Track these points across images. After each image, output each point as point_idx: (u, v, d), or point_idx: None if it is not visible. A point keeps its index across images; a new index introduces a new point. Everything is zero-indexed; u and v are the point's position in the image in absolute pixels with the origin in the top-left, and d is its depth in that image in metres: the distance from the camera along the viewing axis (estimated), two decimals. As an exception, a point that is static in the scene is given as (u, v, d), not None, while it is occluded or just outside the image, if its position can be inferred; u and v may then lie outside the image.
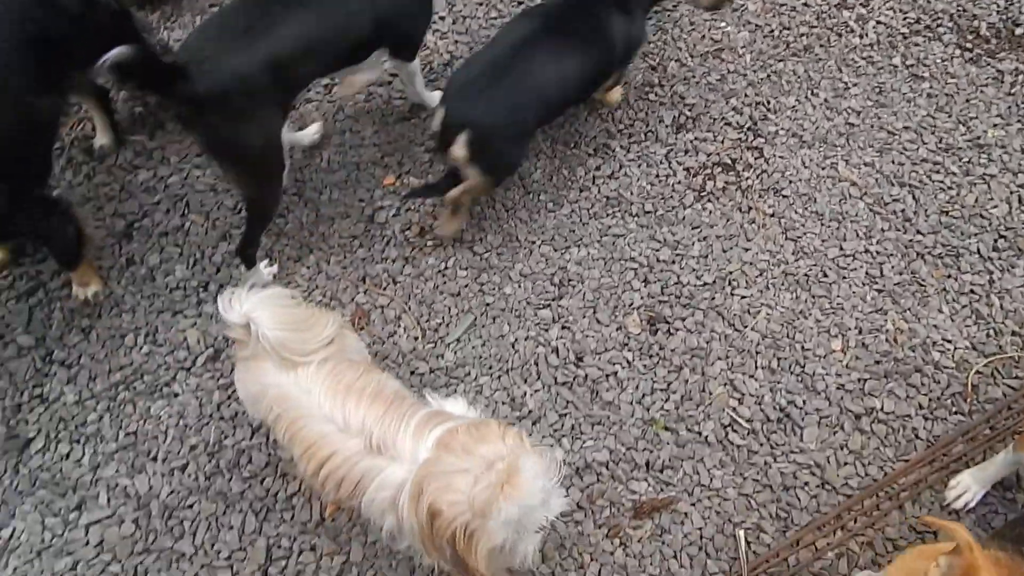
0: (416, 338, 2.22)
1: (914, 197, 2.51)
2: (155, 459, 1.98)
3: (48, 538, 1.86)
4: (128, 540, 1.87)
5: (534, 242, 2.41)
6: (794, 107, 2.71)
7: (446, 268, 2.35)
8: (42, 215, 1.97)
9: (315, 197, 2.45)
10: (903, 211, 2.48)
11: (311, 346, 1.63)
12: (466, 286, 2.32)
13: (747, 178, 2.59)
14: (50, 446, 1.98)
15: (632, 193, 2.52)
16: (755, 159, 2.64)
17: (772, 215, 2.51)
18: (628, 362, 2.19)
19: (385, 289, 2.30)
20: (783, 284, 2.35)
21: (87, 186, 2.39)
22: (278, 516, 1.92)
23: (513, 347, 2.21)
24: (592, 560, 1.88)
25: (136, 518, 1.89)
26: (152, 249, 2.30)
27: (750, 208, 2.52)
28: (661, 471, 2.01)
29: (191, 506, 1.92)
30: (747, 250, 2.42)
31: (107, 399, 2.06)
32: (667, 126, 2.68)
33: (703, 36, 2.92)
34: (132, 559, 1.85)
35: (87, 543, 1.86)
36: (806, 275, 2.36)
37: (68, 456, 1.97)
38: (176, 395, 2.08)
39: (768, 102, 2.75)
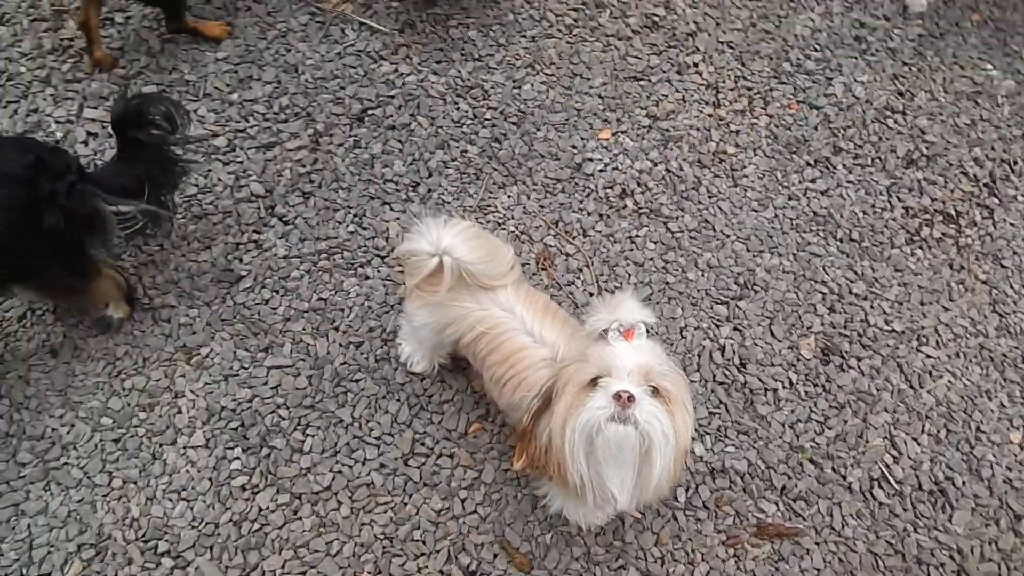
0: (591, 294, 2.16)
1: None
2: (337, 329, 2.06)
3: (236, 367, 1.99)
4: (299, 392, 1.96)
5: (729, 236, 2.27)
6: (1046, 177, 2.38)
7: (637, 236, 2.26)
8: None
9: (532, 131, 2.40)
10: None
11: (503, 270, 1.64)
12: (651, 259, 2.23)
13: (968, 236, 2.32)
14: (255, 288, 2.09)
15: (842, 216, 2.32)
16: (982, 218, 2.36)
17: (984, 282, 2.25)
18: (791, 383, 2.06)
19: (575, 238, 2.24)
20: (976, 357, 2.12)
21: (337, 64, 2.44)
22: (428, 416, 1.96)
23: (681, 333, 2.12)
24: (703, 560, 1.82)
25: (310, 376, 1.99)
26: (378, 139, 2.33)
27: (962, 268, 2.27)
28: (795, 500, 1.90)
29: (358, 381, 1.99)
30: (947, 310, 2.20)
31: (310, 262, 2.14)
32: (898, 158, 2.43)
33: (963, 74, 2.60)
34: (299, 410, 1.94)
35: (266, 383, 1.97)
36: (1004, 355, 2.12)
37: (267, 302, 2.07)
38: (367, 278, 2.14)
39: (1015, 162, 2.44)
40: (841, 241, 2.28)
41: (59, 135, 2.23)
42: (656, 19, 2.60)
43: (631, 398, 1.28)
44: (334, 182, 2.26)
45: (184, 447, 1.88)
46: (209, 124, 2.30)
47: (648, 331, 1.39)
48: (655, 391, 1.34)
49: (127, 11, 2.46)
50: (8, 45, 2.36)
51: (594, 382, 1.34)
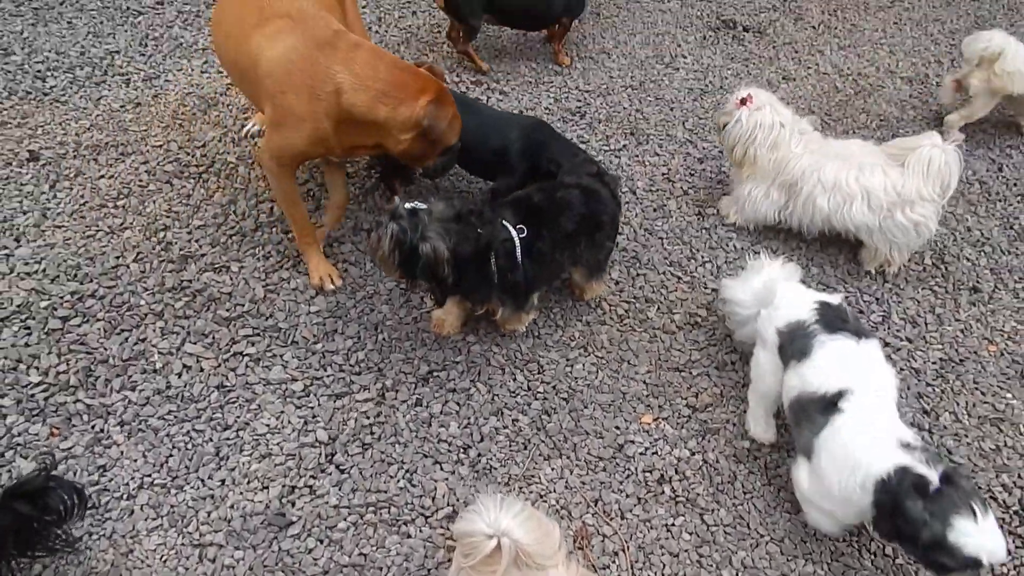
0: (626, 582, 2.14)
1: None
2: (372, 589, 2.04)
3: (268, 619, 1.95)
4: (325, 655, 1.90)
5: (763, 536, 2.27)
6: (1078, 514, 2.38)
7: (673, 524, 2.27)
8: None
9: (580, 408, 2.53)
10: None
11: (553, 550, 1.68)
12: (686, 551, 2.21)
13: (1002, 564, 2.28)
14: (302, 536, 2.12)
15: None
16: (1016, 547, 2.33)
17: (1025, 619, 2.16)
18: None
19: (612, 520, 2.26)
20: None
21: (412, 328, 2.68)
22: None
23: (715, 637, 2.04)
24: None
25: (339, 638, 1.93)
26: (439, 399, 2.49)
27: (1001, 600, 2.20)
28: None
29: (384, 650, 1.93)
30: (989, 647, 2.09)
31: (358, 514, 2.18)
32: (928, 475, 2.47)
33: (984, 400, 2.72)
34: (321, 676, 1.87)
35: (294, 640, 1.92)
36: None
37: (311, 552, 2.09)
38: (409, 536, 2.16)
39: (1045, 495, 2.45)
40: (875, 555, 2.26)
41: (159, 365, 2.43)
42: (698, 319, 2.85)
43: None
44: (393, 436, 2.38)
45: None
46: (291, 368, 2.50)
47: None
48: None
49: (241, 261, 2.80)
50: (136, 280, 2.68)
51: None
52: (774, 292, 2.40)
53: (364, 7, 4.22)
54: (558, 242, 2.48)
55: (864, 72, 4.37)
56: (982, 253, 3.28)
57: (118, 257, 2.73)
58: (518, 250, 2.38)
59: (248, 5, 2.39)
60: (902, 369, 2.78)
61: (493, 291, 2.42)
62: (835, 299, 2.36)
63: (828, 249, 3.17)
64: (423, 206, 2.21)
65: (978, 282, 3.15)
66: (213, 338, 2.54)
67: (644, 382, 2.64)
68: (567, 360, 2.67)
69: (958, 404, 2.69)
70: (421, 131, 2.39)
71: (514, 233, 2.38)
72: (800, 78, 4.25)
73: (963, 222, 3.42)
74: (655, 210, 3.29)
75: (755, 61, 4.33)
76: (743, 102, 2.99)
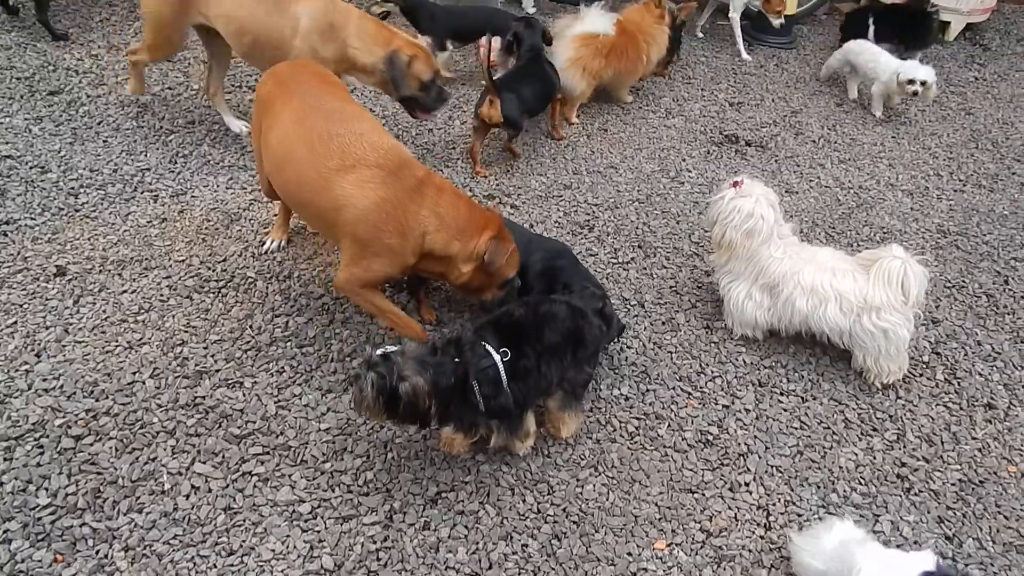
0: None
1: None
2: None
3: None
4: None
5: (785, 678, 2.16)
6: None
7: (689, 663, 2.17)
8: None
9: (591, 532, 2.48)
10: None
11: None
12: None
13: None
14: (303, 674, 2.04)
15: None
16: None
17: None
18: None
19: (626, 657, 2.17)
20: None
21: (422, 445, 2.68)
22: None
23: None
24: None
25: None
26: (447, 522, 2.45)
27: None
28: None
29: None
30: None
31: (361, 650, 2.11)
32: (955, 609, 2.37)
33: (1008, 524, 2.65)
34: None
35: None
36: None
37: None
38: (414, 675, 2.07)
39: (1081, 632, 2.34)
40: None
41: (167, 486, 2.43)
42: (710, 437, 2.82)
43: None
44: (399, 562, 2.32)
45: None
46: (299, 489, 2.48)
47: None
48: None
49: (255, 376, 2.84)
50: (150, 396, 2.71)
51: None
52: (852, 556, 2.05)
53: (383, 124, 4.45)
54: (543, 355, 2.46)
55: (865, 185, 4.51)
56: (994, 368, 3.27)
57: (135, 373, 2.77)
58: (503, 375, 2.37)
59: (322, 149, 2.58)
60: (920, 491, 2.72)
61: (480, 418, 2.41)
62: (927, 561, 1.98)
63: (838, 364, 3.18)
64: (395, 348, 2.24)
65: (992, 398, 3.13)
66: (223, 457, 2.54)
67: (656, 504, 2.59)
68: (577, 480, 2.63)
69: (981, 529, 2.62)
70: (480, 264, 2.64)
71: (497, 358, 2.37)
72: (803, 191, 4.38)
73: (972, 336, 3.43)
74: (664, 323, 3.33)
75: (758, 175, 4.48)
76: (735, 185, 3.10)
